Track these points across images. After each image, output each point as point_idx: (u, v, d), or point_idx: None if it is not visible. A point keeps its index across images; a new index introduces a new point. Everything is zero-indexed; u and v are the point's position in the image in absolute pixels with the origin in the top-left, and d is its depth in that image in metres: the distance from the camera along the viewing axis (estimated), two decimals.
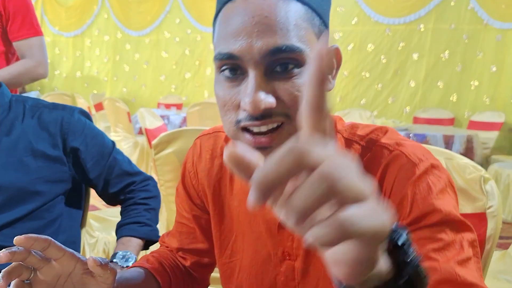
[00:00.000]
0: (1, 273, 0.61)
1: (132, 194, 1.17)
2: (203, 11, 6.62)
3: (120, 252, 1.00)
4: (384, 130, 0.67)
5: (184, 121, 5.16)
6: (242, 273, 0.78)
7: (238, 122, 0.58)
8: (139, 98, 7.39)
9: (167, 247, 0.90)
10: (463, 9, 5.20)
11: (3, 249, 0.60)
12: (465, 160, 0.82)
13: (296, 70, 0.56)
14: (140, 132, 5.41)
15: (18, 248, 0.60)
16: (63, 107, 1.14)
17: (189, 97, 6.96)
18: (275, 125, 0.56)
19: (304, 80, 0.56)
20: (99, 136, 1.17)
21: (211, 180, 0.79)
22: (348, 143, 0.67)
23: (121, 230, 1.10)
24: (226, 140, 0.80)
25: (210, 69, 6.77)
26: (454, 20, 5.26)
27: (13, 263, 0.61)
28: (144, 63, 7.33)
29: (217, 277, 1.23)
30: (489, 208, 0.77)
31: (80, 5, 7.67)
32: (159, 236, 1.10)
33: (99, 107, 5.77)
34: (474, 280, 0.56)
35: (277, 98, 0.56)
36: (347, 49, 5.78)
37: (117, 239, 1.08)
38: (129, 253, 1.00)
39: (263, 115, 0.55)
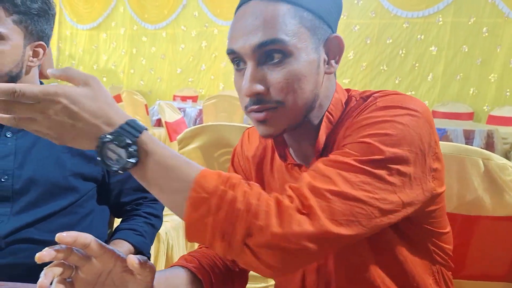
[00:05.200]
0: (43, 270, 0.62)
1: (138, 206, 1.20)
2: (220, 4, 6.61)
3: None
4: (387, 90, 0.76)
5: (200, 113, 5.17)
6: None
7: (245, 107, 0.72)
8: (155, 91, 7.42)
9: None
10: (483, 2, 5.12)
11: (46, 247, 0.61)
12: (503, 160, 0.81)
13: (284, 59, 0.69)
14: (156, 124, 5.45)
15: (61, 246, 0.61)
16: None
17: (204, 90, 6.98)
18: (271, 106, 0.70)
19: (292, 68, 0.69)
20: None
21: (255, 158, 0.91)
22: (357, 102, 0.77)
23: (117, 234, 1.12)
24: None
25: (225, 62, 6.77)
26: (474, 13, 5.18)
27: (55, 261, 0.62)
28: (160, 56, 7.35)
29: (254, 275, 1.24)
30: None
31: None
32: (149, 252, 1.13)
33: (117, 99, 5.80)
34: (329, 174, 0.62)
35: (269, 85, 0.69)
36: (365, 41, 5.74)
37: (111, 241, 1.10)
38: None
39: (258, 100, 0.70)
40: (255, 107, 0.71)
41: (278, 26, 0.68)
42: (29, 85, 0.55)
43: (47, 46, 1.12)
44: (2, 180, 1.04)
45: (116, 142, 0.58)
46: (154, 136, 0.61)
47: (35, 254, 1.00)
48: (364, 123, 0.68)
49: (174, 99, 6.55)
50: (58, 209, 1.06)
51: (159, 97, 6.94)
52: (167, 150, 0.61)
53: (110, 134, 0.58)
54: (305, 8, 0.70)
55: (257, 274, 1.17)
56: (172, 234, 2.04)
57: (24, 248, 1.02)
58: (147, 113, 5.23)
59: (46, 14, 1.09)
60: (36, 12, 1.06)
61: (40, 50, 1.10)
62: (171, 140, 2.93)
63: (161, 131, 5.10)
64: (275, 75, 0.69)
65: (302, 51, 0.70)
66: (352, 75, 5.84)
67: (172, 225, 2.06)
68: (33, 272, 0.91)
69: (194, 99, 6.51)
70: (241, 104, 0.75)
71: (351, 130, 0.70)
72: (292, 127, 0.74)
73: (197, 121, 5.15)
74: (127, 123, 0.59)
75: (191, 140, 1.71)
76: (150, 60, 7.45)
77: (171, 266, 0.83)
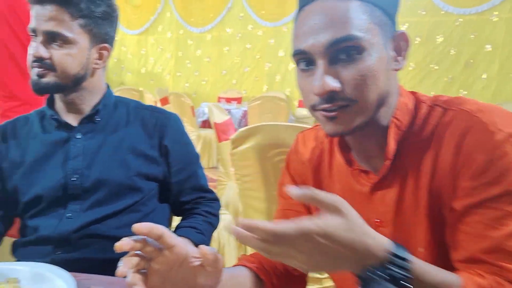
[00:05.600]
0: (121, 260, 0.64)
1: (198, 205, 1.23)
2: (264, 6, 6.64)
3: None
4: (467, 99, 0.73)
5: (245, 115, 5.22)
6: None
7: (312, 107, 0.71)
8: (200, 93, 7.54)
9: None
10: None
11: (124, 237, 0.63)
12: None
13: (357, 56, 0.67)
14: (202, 125, 5.54)
15: (137, 237, 0.63)
16: (161, 111, 1.23)
17: (248, 91, 7.02)
18: (343, 104, 0.68)
19: (366, 64, 0.67)
20: (188, 146, 1.25)
21: (312, 163, 0.91)
22: (431, 108, 0.75)
23: (178, 231, 1.14)
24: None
25: (269, 64, 6.78)
26: None
27: (131, 252, 0.64)
28: (205, 59, 7.46)
29: (310, 276, 1.24)
30: None
31: (144, 3, 7.92)
32: None
33: (164, 101, 5.95)
34: None
35: (342, 82, 0.67)
36: (414, 40, 5.58)
37: None
38: None
39: (330, 98, 0.68)
40: (327, 105, 0.69)
41: (350, 23, 0.67)
42: (283, 226, 0.52)
43: (111, 48, 1.16)
44: (73, 179, 1.08)
45: (386, 277, 0.55)
46: (419, 260, 0.59)
47: (102, 249, 1.05)
48: (497, 170, 0.65)
49: (219, 101, 6.63)
50: (123, 207, 1.10)
51: (204, 99, 7.06)
52: (433, 272, 0.60)
53: (376, 268, 0.56)
54: (373, 4, 0.70)
55: (313, 275, 1.15)
56: (224, 234, 2.06)
57: (92, 243, 1.06)
58: (193, 115, 5.33)
59: (109, 17, 1.13)
60: (100, 15, 1.09)
61: (105, 53, 1.14)
62: (219, 140, 2.96)
63: (207, 133, 5.19)
64: (350, 72, 0.67)
65: (374, 47, 0.69)
66: (400, 75, 5.57)
67: (223, 225, 2.08)
68: (99, 266, 0.95)
69: (239, 100, 6.57)
70: (306, 104, 0.74)
71: (480, 175, 0.66)
72: (362, 125, 0.72)
73: (242, 122, 5.20)
74: (393, 254, 0.56)
75: (245, 140, 1.71)
76: (195, 62, 7.59)
77: (233, 266, 0.84)
